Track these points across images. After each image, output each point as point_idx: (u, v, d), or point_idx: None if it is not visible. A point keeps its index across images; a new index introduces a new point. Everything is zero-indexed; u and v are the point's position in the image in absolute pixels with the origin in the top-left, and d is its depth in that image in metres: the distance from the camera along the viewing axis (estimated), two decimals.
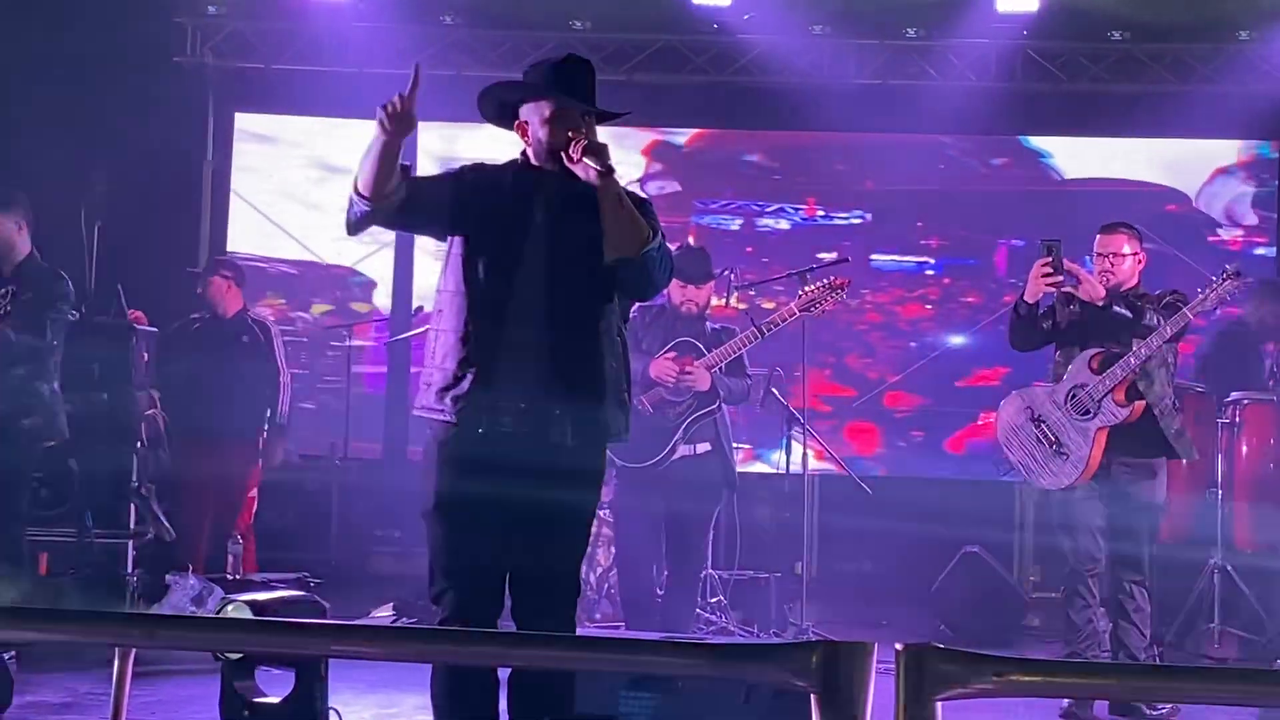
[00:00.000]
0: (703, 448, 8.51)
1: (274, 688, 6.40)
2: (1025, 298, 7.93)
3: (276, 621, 5.05)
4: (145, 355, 10.27)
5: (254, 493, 10.58)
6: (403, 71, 11.19)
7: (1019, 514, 11.99)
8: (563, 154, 5.18)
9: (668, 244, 5.33)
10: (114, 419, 9.84)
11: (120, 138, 11.86)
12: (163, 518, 9.90)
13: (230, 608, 6.49)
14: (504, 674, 5.28)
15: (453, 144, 12.19)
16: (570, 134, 5.16)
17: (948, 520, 11.55)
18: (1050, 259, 7.73)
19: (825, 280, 8.64)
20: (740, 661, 3.09)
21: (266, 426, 10.45)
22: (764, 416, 10.29)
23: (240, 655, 6.07)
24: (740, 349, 8.45)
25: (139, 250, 11.32)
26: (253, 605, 6.52)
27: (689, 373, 8.32)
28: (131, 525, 9.82)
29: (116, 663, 2.96)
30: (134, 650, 2.98)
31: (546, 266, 5.23)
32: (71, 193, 10.09)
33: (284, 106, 13.13)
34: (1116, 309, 7.68)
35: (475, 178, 5.41)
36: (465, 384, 5.21)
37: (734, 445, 9.00)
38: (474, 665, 5.11)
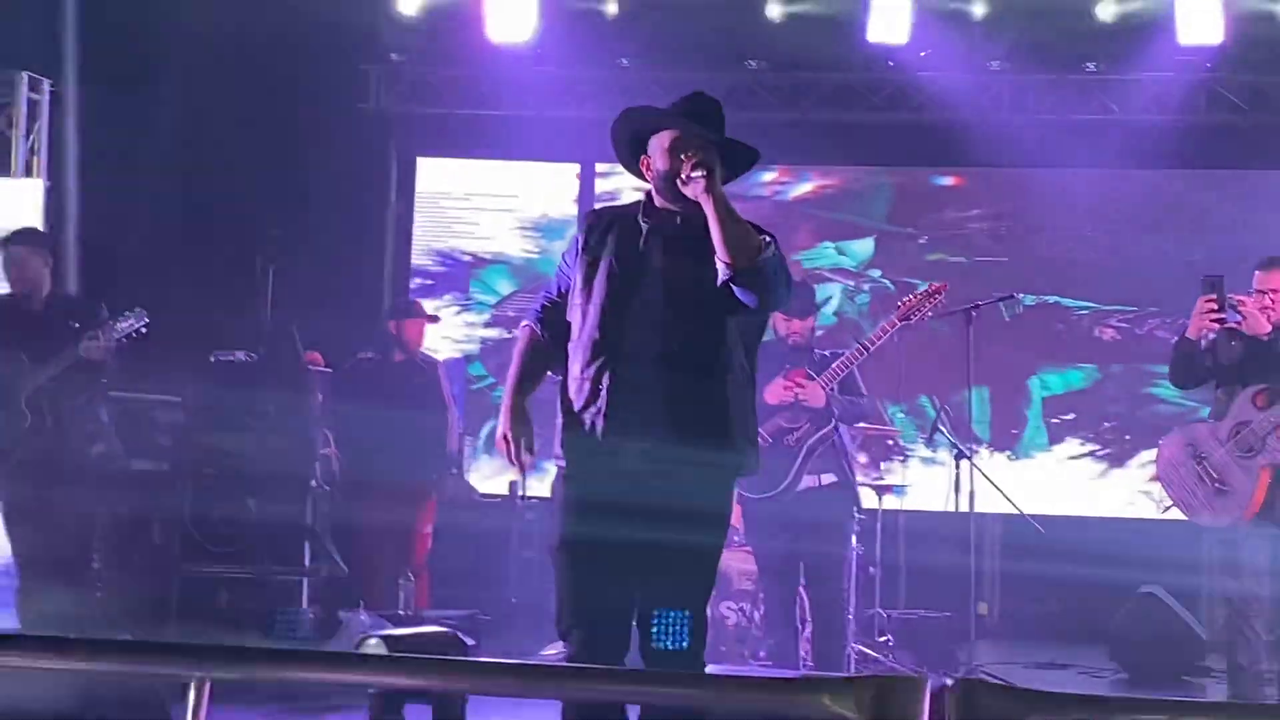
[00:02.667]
0: (827, 479, 8.47)
1: None
2: (1188, 334, 7.80)
3: (381, 656, 5.10)
4: (320, 396, 10.47)
5: (428, 530, 10.71)
6: (582, 113, 11.33)
7: (1207, 554, 11.73)
8: (677, 180, 5.18)
9: (783, 256, 5.30)
10: (289, 459, 10.03)
11: (304, 183, 12.13)
12: (336, 555, 10.07)
13: (371, 642, 6.56)
14: (634, 713, 5.30)
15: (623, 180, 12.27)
16: (683, 156, 5.17)
17: (1128, 560, 11.38)
18: (1214, 295, 7.60)
19: (923, 288, 8.58)
20: (794, 694, 3.07)
21: (439, 465, 10.60)
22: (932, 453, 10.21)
23: (376, 691, 6.13)
24: (848, 367, 8.40)
25: (320, 293, 11.55)
26: (388, 640, 6.59)
27: (802, 386, 8.31)
28: (306, 563, 10.01)
29: (192, 695, 3.00)
30: (208, 683, 3.02)
31: (665, 307, 5.23)
32: (249, 236, 10.32)
33: (465, 150, 13.32)
34: None
35: (597, 223, 5.46)
36: (588, 426, 5.25)
37: (871, 477, 8.97)
38: (602, 702, 5.13)
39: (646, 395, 5.20)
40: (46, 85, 9.73)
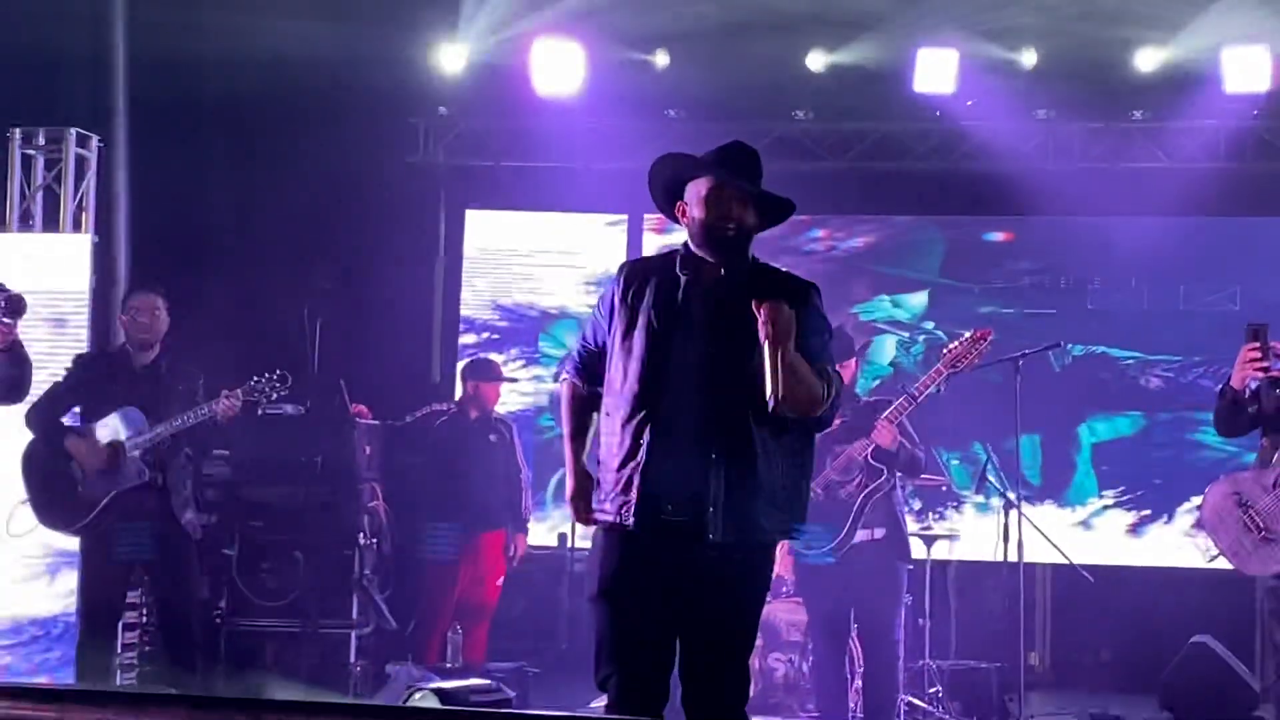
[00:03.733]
0: (880, 532, 8.43)
1: None
2: (1232, 383, 7.75)
3: (410, 710, 5.11)
4: (368, 449, 10.53)
5: (499, 582, 10.76)
6: (630, 165, 11.39)
7: (1259, 603, 11.65)
8: (715, 234, 5.20)
9: (842, 385, 5.33)
10: (337, 511, 10.09)
11: (353, 236, 12.22)
12: (384, 608, 10.11)
13: (418, 695, 6.60)
14: None
15: (671, 235, 12.30)
16: (719, 210, 5.19)
17: (1183, 609, 11.33)
18: (1258, 344, 7.57)
19: (968, 335, 8.52)
20: None
21: (514, 520, 10.69)
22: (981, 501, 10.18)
23: None
24: (900, 415, 8.36)
25: (368, 346, 11.62)
26: (440, 693, 6.62)
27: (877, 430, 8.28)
28: (354, 615, 10.05)
29: None
30: None
31: (703, 363, 5.21)
32: (298, 290, 10.39)
33: (513, 202, 13.36)
34: None
35: (634, 275, 5.44)
36: (624, 483, 5.25)
37: (920, 526, 8.92)
38: None
39: (685, 454, 5.18)
40: (95, 141, 9.82)
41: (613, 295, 5.43)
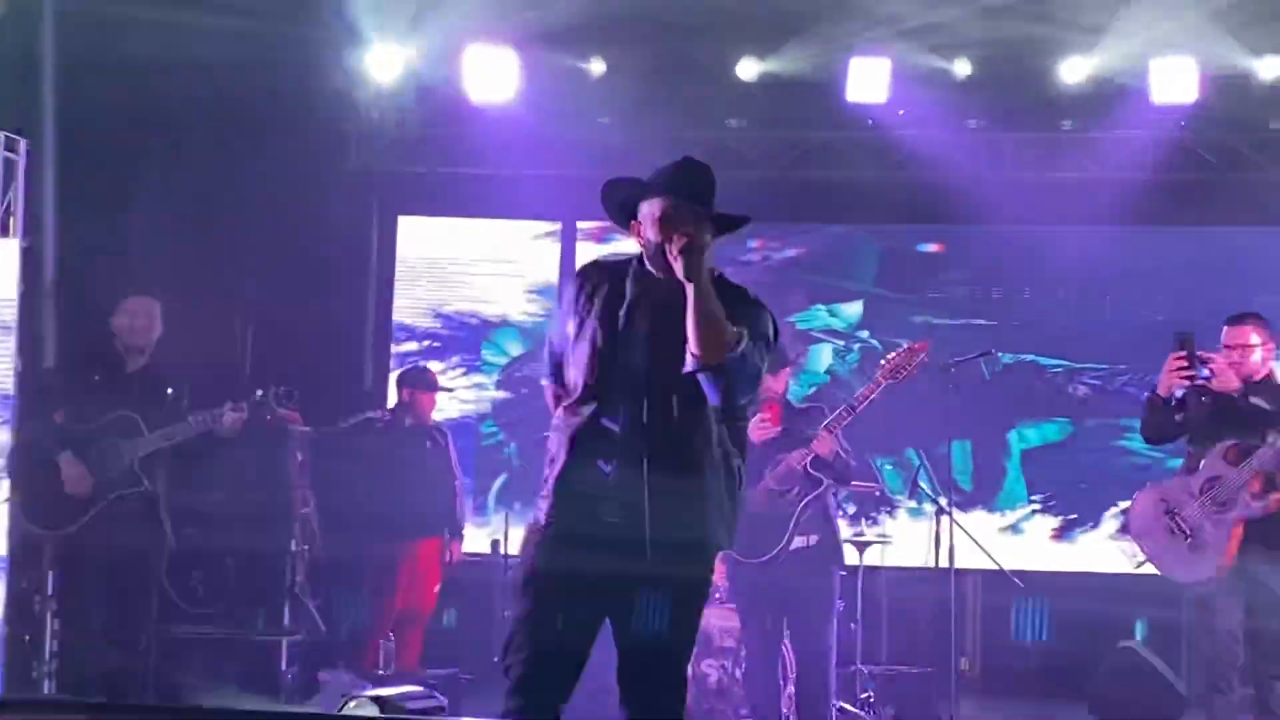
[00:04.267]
0: (814, 539, 8.48)
1: None
2: (1159, 391, 7.84)
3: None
4: (300, 456, 10.50)
5: (437, 589, 10.76)
6: (564, 172, 11.35)
7: (1185, 609, 11.75)
8: (666, 250, 5.18)
9: (762, 351, 5.27)
10: (268, 518, 10.06)
11: (285, 242, 12.15)
12: (316, 616, 10.09)
13: (353, 704, 6.58)
14: None
15: (612, 245, 12.28)
16: (675, 234, 5.16)
17: (1108, 614, 11.40)
18: (1184, 352, 7.65)
19: (905, 346, 8.58)
20: None
21: (451, 527, 10.69)
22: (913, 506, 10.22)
23: None
24: (839, 425, 8.41)
25: (300, 352, 11.56)
26: (377, 700, 6.61)
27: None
28: (285, 623, 10.02)
29: None
30: None
31: (645, 373, 5.22)
32: (228, 298, 10.33)
33: (447, 209, 13.34)
34: (1253, 400, 7.57)
35: (587, 280, 5.45)
36: (564, 482, 5.28)
37: (853, 533, 8.96)
38: None
39: (626, 462, 5.19)
40: (23, 145, 9.74)
41: (570, 298, 5.45)
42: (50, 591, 9.16)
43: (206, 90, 11.14)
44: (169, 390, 8.49)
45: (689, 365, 5.13)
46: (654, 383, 5.22)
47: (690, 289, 5.10)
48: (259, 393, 8.47)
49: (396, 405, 10.97)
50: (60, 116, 10.62)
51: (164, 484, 8.54)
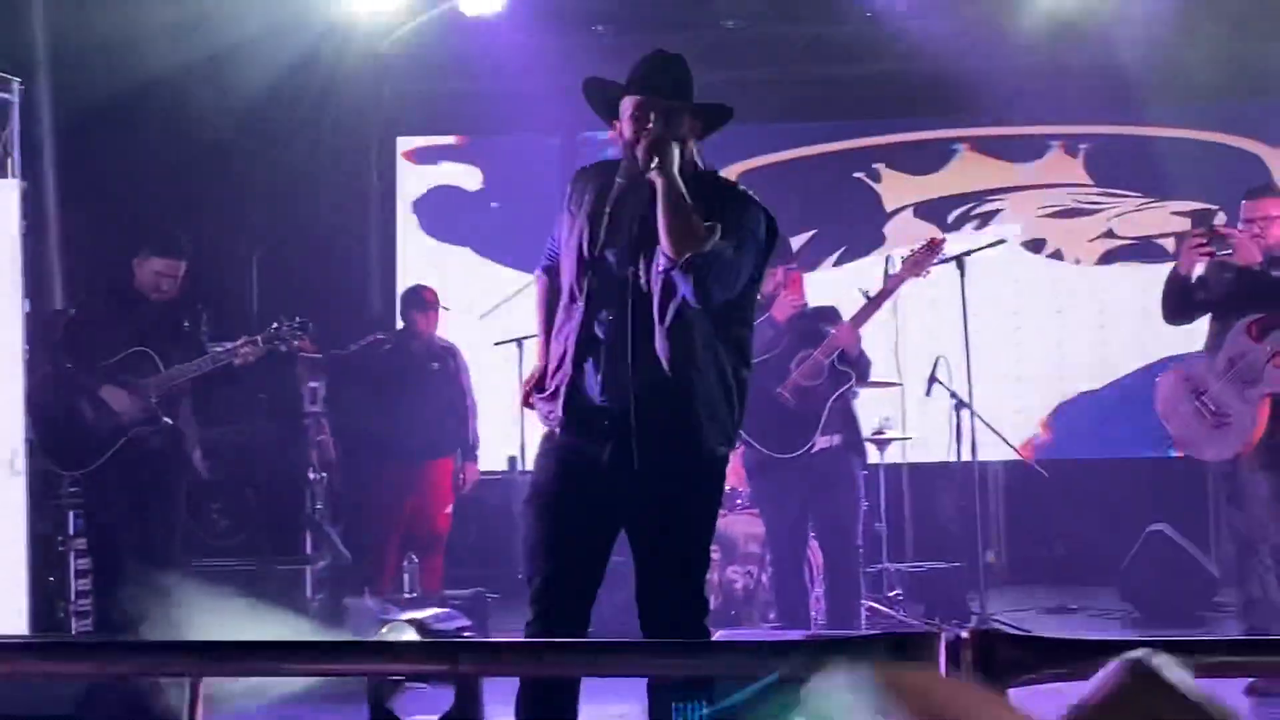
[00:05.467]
0: (837, 439, 8.46)
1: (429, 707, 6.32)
2: (1180, 270, 7.76)
3: (367, 643, 5.01)
4: (314, 385, 10.44)
5: (449, 510, 10.69)
6: (560, 84, 11.23)
7: (1213, 489, 11.69)
8: (636, 152, 5.11)
9: (747, 247, 5.15)
10: (284, 447, 10.01)
11: (285, 170, 12.03)
12: (339, 542, 10.04)
13: (385, 630, 6.50)
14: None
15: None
16: (642, 129, 5.10)
17: (1137, 500, 11.36)
18: (1203, 229, 7.57)
19: (925, 241, 8.55)
20: (810, 658, 3.02)
21: (462, 447, 10.60)
22: (931, 403, 10.14)
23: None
24: (868, 316, 8.40)
25: (307, 278, 11.49)
26: (415, 624, 6.53)
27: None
28: (307, 550, 9.98)
29: (186, 694, 2.95)
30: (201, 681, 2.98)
31: (629, 274, 5.15)
32: (233, 226, 10.24)
33: (444, 128, 13.22)
34: (1276, 273, 7.48)
35: (580, 180, 5.40)
36: (553, 392, 5.25)
37: (872, 432, 8.97)
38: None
39: (612, 368, 5.14)
40: (16, 85, 9.61)
41: (566, 199, 5.40)
42: (72, 531, 9.12)
43: (200, 20, 11.00)
44: (185, 325, 8.46)
45: (661, 263, 5.05)
46: (635, 285, 5.14)
47: (659, 182, 5.03)
48: (274, 325, 8.43)
49: (403, 328, 10.86)
50: (53, 55, 10.51)
51: (189, 418, 8.52)
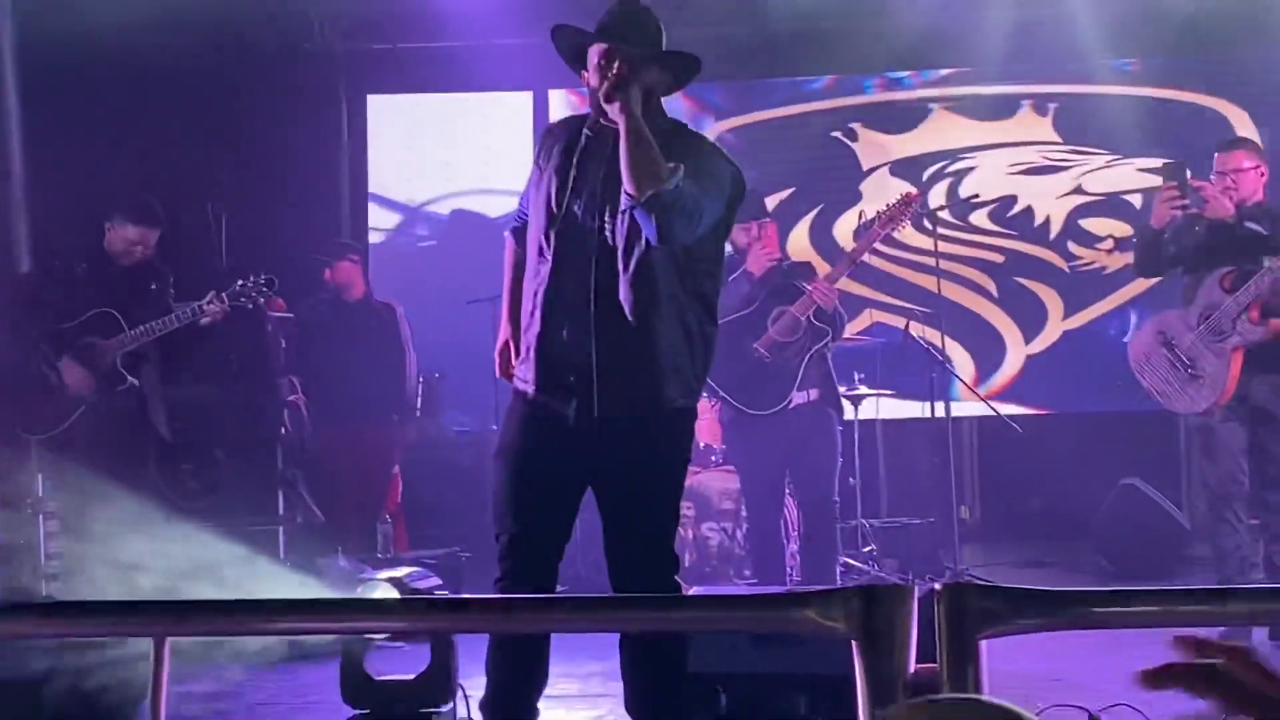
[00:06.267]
0: (814, 394, 8.43)
1: (400, 666, 6.28)
2: (1152, 223, 7.77)
3: (338, 601, 5.01)
4: (284, 342, 10.37)
5: (396, 470, 10.63)
6: (532, 40, 11.16)
7: (1185, 442, 11.72)
8: (601, 100, 5.07)
9: (709, 192, 5.09)
10: (255, 407, 9.96)
11: (253, 128, 11.97)
12: (311, 502, 10.01)
13: (360, 589, 6.51)
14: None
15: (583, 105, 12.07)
16: (607, 77, 5.04)
17: (1109, 454, 11.37)
18: (1175, 182, 7.56)
19: (900, 196, 8.52)
20: (778, 610, 3.00)
21: (400, 407, 10.51)
22: (906, 360, 10.15)
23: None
24: (842, 274, 8.39)
25: (276, 238, 11.41)
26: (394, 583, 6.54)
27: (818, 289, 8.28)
28: (280, 511, 9.93)
29: (152, 653, 2.91)
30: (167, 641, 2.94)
31: (593, 229, 5.10)
32: (199, 185, 10.16)
33: (415, 85, 13.13)
34: (1248, 224, 7.48)
35: (548, 136, 5.38)
36: (524, 350, 5.23)
37: (847, 389, 8.97)
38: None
39: (575, 324, 5.10)
40: None
41: (536, 153, 5.37)
42: (40, 494, 9.07)
43: None
44: (152, 286, 8.38)
45: (623, 203, 4.99)
46: (601, 236, 5.10)
47: (620, 120, 4.97)
48: (239, 283, 8.36)
49: (330, 284, 10.59)
50: (16, 14, 10.44)
51: (153, 380, 8.44)
